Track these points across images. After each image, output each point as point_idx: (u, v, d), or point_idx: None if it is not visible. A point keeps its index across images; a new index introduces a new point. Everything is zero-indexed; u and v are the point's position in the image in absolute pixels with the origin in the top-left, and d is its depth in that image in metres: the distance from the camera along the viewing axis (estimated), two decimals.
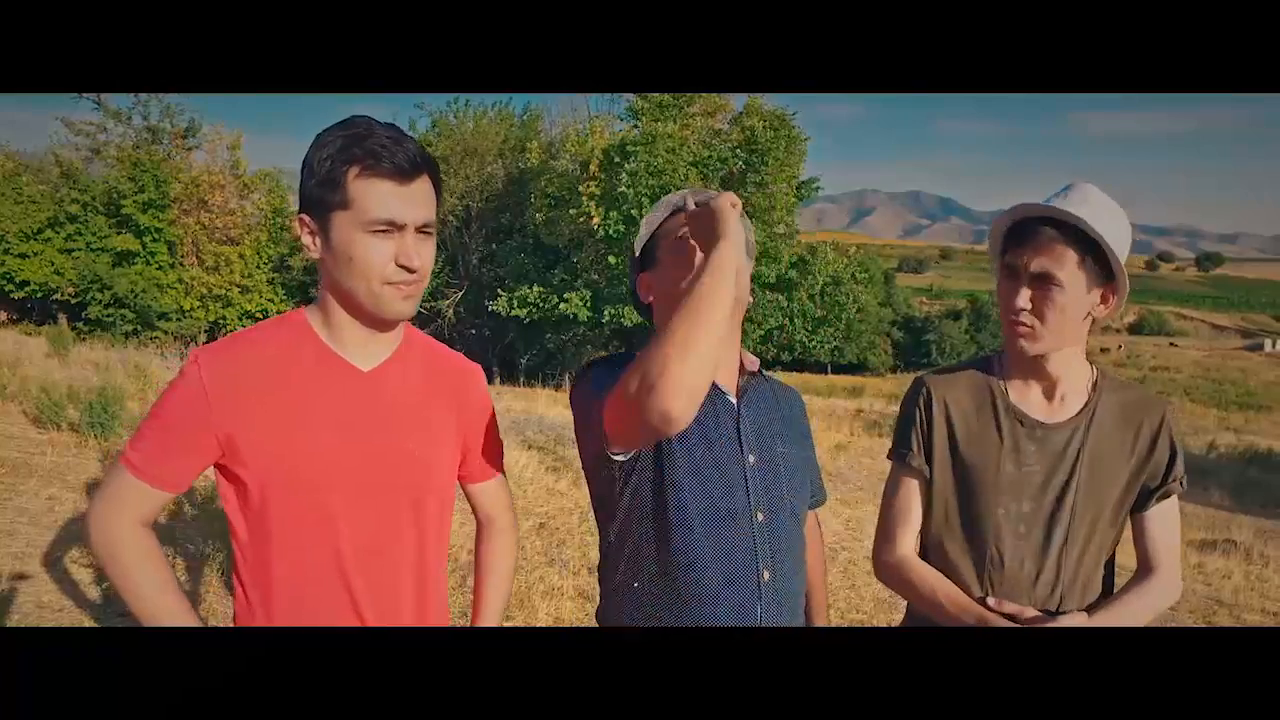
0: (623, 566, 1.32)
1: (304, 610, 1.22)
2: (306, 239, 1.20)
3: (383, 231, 1.14)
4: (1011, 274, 1.41)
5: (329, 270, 1.19)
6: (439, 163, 1.25)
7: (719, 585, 1.25)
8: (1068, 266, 1.37)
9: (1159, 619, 4.51)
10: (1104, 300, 1.43)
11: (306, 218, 1.18)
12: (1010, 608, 1.42)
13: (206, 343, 1.27)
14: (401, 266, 1.16)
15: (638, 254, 1.41)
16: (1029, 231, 1.39)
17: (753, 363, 1.40)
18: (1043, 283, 1.38)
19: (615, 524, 1.32)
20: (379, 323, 1.23)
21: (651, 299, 1.39)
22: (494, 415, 1.46)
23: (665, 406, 1.02)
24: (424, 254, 1.19)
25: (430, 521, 1.30)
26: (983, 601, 1.44)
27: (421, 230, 1.19)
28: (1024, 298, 1.38)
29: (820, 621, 1.60)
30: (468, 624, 1.51)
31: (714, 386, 1.32)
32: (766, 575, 1.28)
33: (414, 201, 1.16)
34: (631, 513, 1.29)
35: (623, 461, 1.26)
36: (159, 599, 1.18)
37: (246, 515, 1.21)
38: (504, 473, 1.50)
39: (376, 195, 1.13)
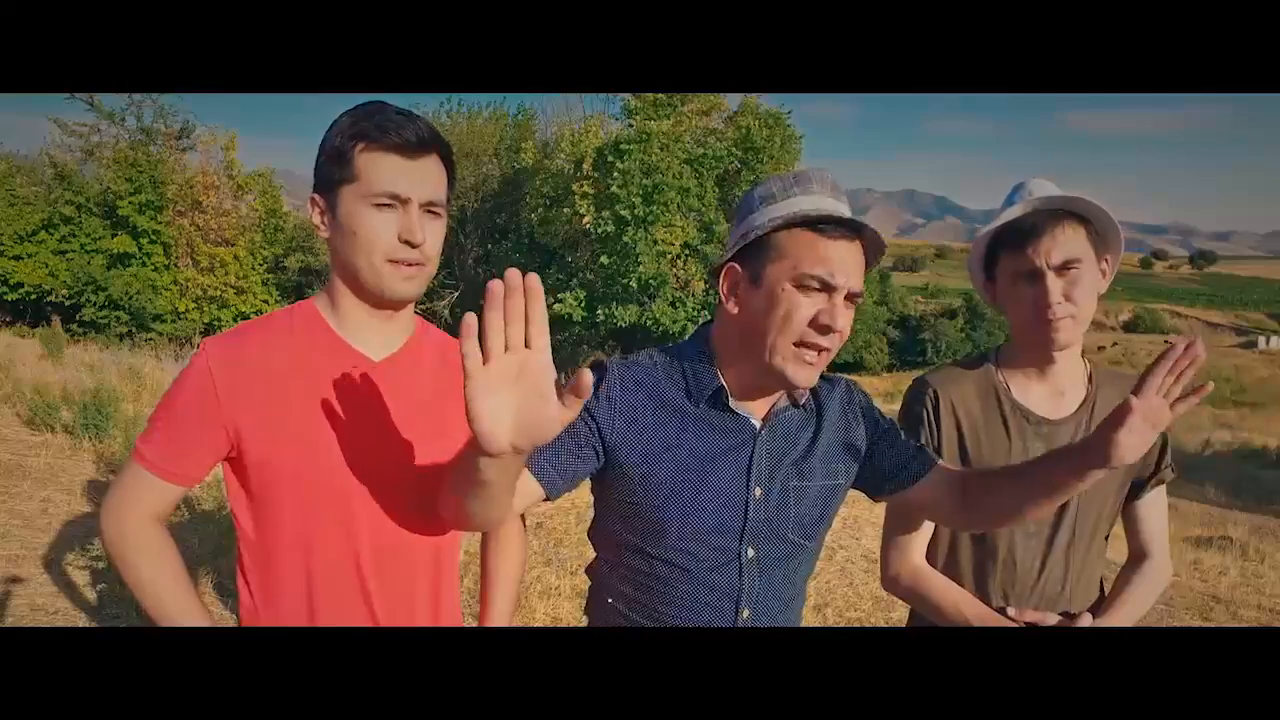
0: (606, 570, 1.29)
1: (316, 610, 1.19)
2: (317, 218, 1.20)
3: (386, 205, 1.14)
4: (1031, 276, 1.38)
5: (336, 249, 1.18)
6: None
7: (692, 617, 1.19)
8: (1081, 244, 1.38)
9: (1156, 618, 4.51)
10: (1105, 266, 1.44)
11: (317, 196, 1.19)
12: (1031, 615, 1.41)
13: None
14: (405, 242, 1.14)
15: (744, 239, 1.16)
16: (1033, 229, 1.38)
17: (802, 395, 1.24)
18: (1067, 269, 1.37)
19: (601, 523, 1.29)
20: (384, 304, 1.21)
21: (735, 309, 1.18)
22: None
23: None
24: (430, 233, 1.17)
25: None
26: (1003, 611, 1.42)
27: (428, 209, 1.17)
28: (1058, 290, 1.37)
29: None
30: (475, 624, 1.47)
31: (739, 413, 1.21)
32: (746, 613, 1.20)
33: (419, 177, 1.15)
34: (612, 517, 1.25)
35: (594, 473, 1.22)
36: (168, 593, 1.17)
37: (254, 510, 1.19)
38: None
39: (381, 168, 1.13)
